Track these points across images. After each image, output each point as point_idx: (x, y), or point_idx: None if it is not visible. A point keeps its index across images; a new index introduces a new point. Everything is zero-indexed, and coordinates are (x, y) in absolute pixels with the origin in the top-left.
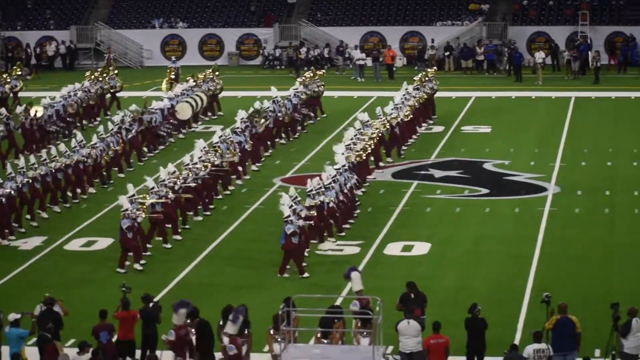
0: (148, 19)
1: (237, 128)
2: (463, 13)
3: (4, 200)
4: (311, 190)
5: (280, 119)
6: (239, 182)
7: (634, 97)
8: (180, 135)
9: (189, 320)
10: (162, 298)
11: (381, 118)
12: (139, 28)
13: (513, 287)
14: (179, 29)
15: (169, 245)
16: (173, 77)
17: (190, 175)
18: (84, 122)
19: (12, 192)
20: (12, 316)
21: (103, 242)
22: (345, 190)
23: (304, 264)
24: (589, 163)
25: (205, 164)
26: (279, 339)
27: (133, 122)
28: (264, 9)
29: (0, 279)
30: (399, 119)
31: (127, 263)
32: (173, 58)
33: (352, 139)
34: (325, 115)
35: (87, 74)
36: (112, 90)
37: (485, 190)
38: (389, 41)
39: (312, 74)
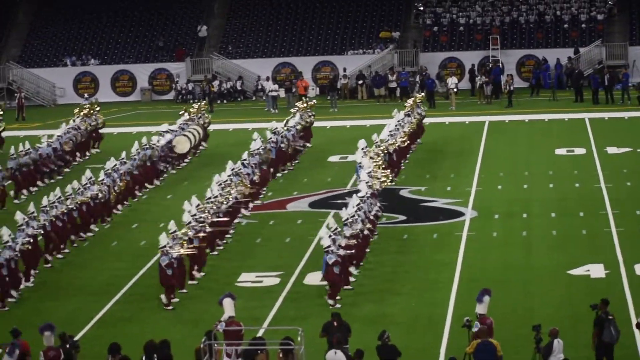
0: (60, 57)
1: (245, 160)
2: (374, 41)
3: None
4: (347, 219)
5: (284, 149)
6: (246, 213)
7: (547, 120)
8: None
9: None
10: (84, 336)
11: (379, 144)
12: (50, 66)
13: (433, 314)
14: (91, 66)
15: (196, 279)
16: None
17: (214, 208)
18: (79, 159)
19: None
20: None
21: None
22: (371, 218)
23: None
24: (505, 186)
25: (226, 196)
26: None
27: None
28: (175, 44)
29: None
30: (396, 145)
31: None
32: (86, 95)
33: (370, 168)
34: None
35: (76, 111)
36: (97, 127)
37: (402, 217)
38: (301, 71)
39: (305, 105)
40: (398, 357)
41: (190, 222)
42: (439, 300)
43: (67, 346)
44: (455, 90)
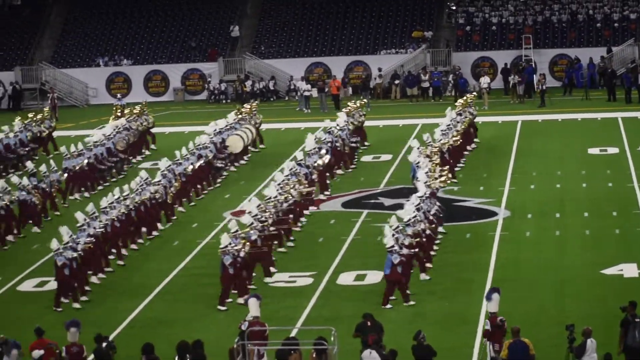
0: (92, 57)
1: (301, 160)
2: (407, 41)
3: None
4: (410, 219)
5: (338, 149)
6: (306, 212)
7: (580, 119)
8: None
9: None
10: (117, 336)
11: (431, 144)
12: (83, 67)
13: (467, 313)
14: (124, 66)
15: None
16: (119, 114)
17: (277, 207)
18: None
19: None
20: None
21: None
22: (431, 218)
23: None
24: (538, 186)
25: (285, 196)
26: None
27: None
28: (207, 44)
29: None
30: (449, 144)
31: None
32: (119, 95)
33: (428, 169)
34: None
35: (127, 111)
36: (148, 127)
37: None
38: (333, 71)
39: (356, 105)
40: (433, 357)
41: (252, 223)
42: (472, 300)
43: (103, 346)
44: (487, 89)
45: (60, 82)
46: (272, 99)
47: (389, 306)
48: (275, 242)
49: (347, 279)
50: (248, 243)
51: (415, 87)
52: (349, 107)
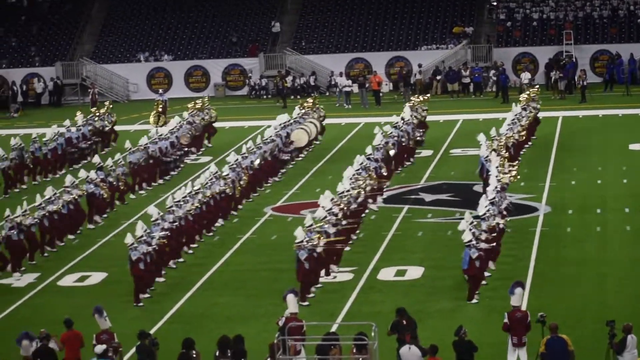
0: (133, 52)
1: (371, 154)
2: (447, 36)
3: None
4: (485, 214)
5: (404, 144)
6: (374, 207)
7: (621, 115)
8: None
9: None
10: (158, 331)
11: (497, 138)
12: (124, 62)
13: (507, 308)
14: (164, 62)
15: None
16: (160, 109)
17: (349, 202)
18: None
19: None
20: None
21: (96, 277)
22: (503, 212)
23: None
24: (578, 182)
25: (358, 190)
26: None
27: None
28: (248, 39)
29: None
30: (514, 139)
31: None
32: (160, 91)
33: (499, 163)
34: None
35: (190, 105)
36: (211, 121)
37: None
38: (374, 67)
39: (420, 99)
40: (475, 353)
41: (325, 217)
42: None
43: (147, 342)
44: (528, 85)
45: (101, 78)
46: (312, 95)
47: (474, 300)
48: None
49: (387, 274)
50: (323, 238)
51: (456, 83)
52: (413, 101)
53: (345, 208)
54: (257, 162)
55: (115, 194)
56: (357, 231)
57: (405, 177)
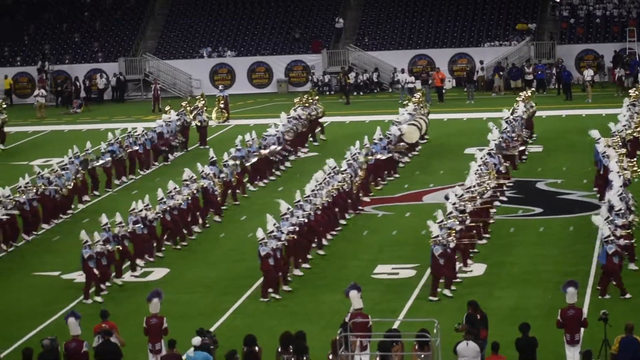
0: (196, 48)
1: (492, 150)
2: (510, 33)
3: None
4: (620, 209)
5: (515, 138)
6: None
7: None
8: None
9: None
10: (219, 327)
11: (615, 135)
12: (187, 58)
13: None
14: (227, 58)
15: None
16: (222, 105)
17: (477, 197)
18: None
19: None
20: (197, 340)
21: (159, 272)
22: (633, 209)
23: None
24: None
25: (484, 187)
26: None
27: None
28: (311, 35)
29: (57, 312)
30: (631, 134)
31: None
32: (221, 87)
33: (617, 158)
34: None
35: (296, 100)
36: (317, 117)
37: (538, 210)
38: (437, 63)
39: (528, 94)
40: (536, 349)
41: (451, 212)
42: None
43: (206, 340)
44: (591, 82)
45: (163, 73)
46: (375, 91)
47: (607, 296)
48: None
49: None
50: (455, 232)
51: (519, 80)
52: (523, 96)
53: (473, 204)
54: (362, 159)
55: (227, 189)
56: (489, 229)
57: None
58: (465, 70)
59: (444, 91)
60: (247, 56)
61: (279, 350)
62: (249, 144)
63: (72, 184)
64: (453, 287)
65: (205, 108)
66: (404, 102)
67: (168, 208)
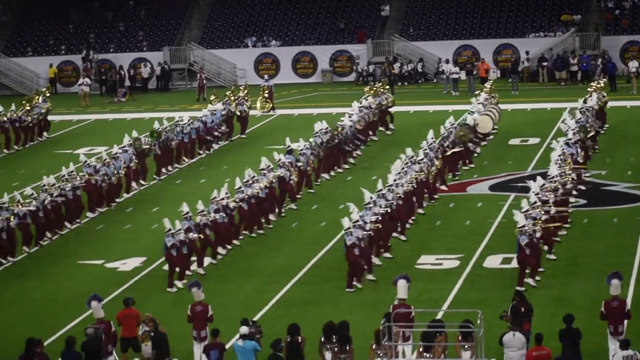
0: (241, 38)
1: (570, 139)
2: (555, 24)
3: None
4: None
5: (589, 129)
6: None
7: None
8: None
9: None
10: (262, 317)
11: None
12: (231, 47)
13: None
14: (272, 48)
15: (553, 257)
16: (267, 95)
17: (559, 188)
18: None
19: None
20: (244, 329)
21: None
22: None
23: None
24: None
25: (565, 178)
26: (381, 354)
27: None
28: (356, 25)
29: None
30: None
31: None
32: (266, 76)
33: None
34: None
35: (366, 89)
36: (387, 107)
37: (582, 201)
38: (482, 54)
39: (601, 85)
40: (579, 340)
41: (535, 202)
42: None
43: (252, 329)
44: (636, 73)
45: (208, 63)
46: (420, 81)
47: None
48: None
49: (493, 262)
50: (540, 222)
51: (563, 71)
52: (594, 86)
53: (555, 194)
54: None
55: (303, 178)
56: (569, 219)
57: (512, 165)
58: (510, 61)
59: (488, 81)
60: (291, 46)
61: (322, 340)
62: (322, 133)
63: (123, 172)
64: (537, 277)
65: (247, 98)
66: (476, 92)
67: (247, 197)
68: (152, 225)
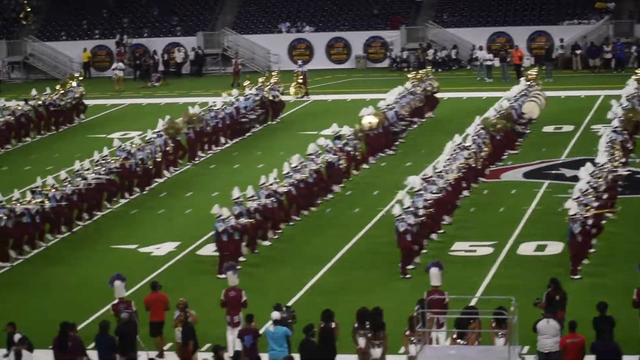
0: (274, 23)
1: (618, 127)
2: (589, 12)
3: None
4: None
5: (630, 114)
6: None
7: None
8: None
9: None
10: (296, 303)
11: None
12: (265, 33)
13: None
14: (306, 33)
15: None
16: (300, 80)
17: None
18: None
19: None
20: (276, 314)
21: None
22: None
23: None
24: None
25: (615, 163)
26: (415, 341)
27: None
28: (390, 12)
29: (135, 285)
30: None
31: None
32: (300, 62)
33: None
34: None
35: (410, 75)
36: (432, 92)
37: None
38: (516, 41)
39: None
40: (613, 328)
41: (586, 190)
42: None
43: (284, 314)
44: None
45: (242, 48)
46: (453, 68)
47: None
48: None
49: (527, 249)
50: (592, 210)
51: (597, 58)
52: (639, 74)
53: (605, 181)
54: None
55: (351, 163)
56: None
57: (546, 152)
58: (543, 48)
59: (522, 69)
60: (325, 31)
61: (356, 326)
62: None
63: (159, 157)
64: (586, 261)
65: (279, 83)
66: (520, 79)
67: (296, 181)
68: (185, 210)
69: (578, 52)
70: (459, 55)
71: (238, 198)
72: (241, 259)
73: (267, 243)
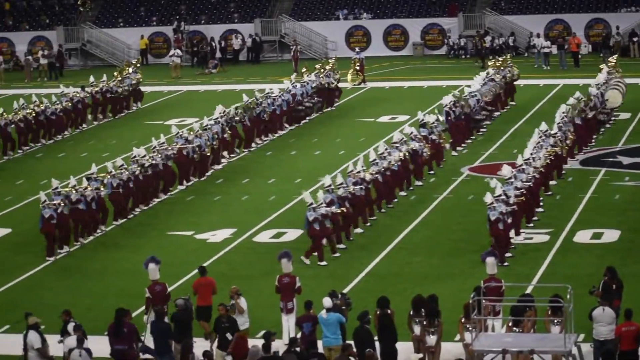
0: (332, 10)
1: None
2: None
3: None
4: None
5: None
6: None
7: None
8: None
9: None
10: (352, 289)
11: None
12: (323, 20)
13: None
14: (363, 20)
15: None
16: (358, 67)
17: None
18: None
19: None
20: (328, 301)
21: (292, 234)
22: None
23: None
24: None
25: None
26: (470, 328)
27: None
28: None
29: (189, 272)
30: None
31: None
32: (357, 49)
33: None
34: (514, 103)
35: (491, 63)
36: (512, 79)
37: None
38: (573, 28)
39: None
40: None
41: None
42: None
43: (336, 301)
44: None
45: (299, 35)
46: (511, 55)
47: None
48: None
49: (583, 236)
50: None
51: None
52: None
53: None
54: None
55: (436, 151)
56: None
57: (604, 140)
58: (601, 35)
59: (579, 56)
60: (383, 19)
61: (411, 313)
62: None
63: (216, 144)
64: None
65: (335, 70)
66: (600, 66)
67: (382, 169)
68: (242, 197)
69: (635, 39)
70: (517, 42)
71: (330, 185)
72: (341, 245)
73: (359, 230)
